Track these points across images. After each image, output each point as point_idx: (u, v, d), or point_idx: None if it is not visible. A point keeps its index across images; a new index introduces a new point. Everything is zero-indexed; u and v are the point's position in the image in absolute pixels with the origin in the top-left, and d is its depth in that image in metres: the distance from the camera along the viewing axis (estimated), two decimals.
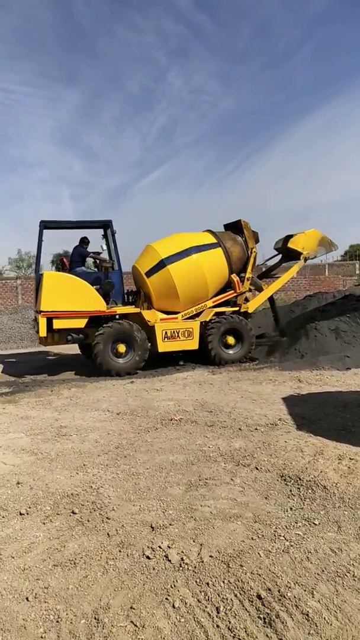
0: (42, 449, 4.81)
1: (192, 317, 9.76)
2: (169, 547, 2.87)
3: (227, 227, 10.74)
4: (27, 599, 2.44)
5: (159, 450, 4.60)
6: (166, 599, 2.40)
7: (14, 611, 2.35)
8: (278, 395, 6.66)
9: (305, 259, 10.81)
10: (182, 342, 9.56)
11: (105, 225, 9.85)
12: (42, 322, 8.77)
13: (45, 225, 9.39)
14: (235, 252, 10.04)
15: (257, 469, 4.05)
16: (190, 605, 2.35)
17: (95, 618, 2.27)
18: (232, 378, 8.06)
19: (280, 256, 11.41)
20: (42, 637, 2.17)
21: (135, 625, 2.21)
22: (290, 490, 3.60)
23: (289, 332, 10.92)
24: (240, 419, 5.56)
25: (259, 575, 2.56)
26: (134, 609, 2.33)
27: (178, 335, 9.52)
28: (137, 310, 9.46)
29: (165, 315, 9.59)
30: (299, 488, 3.63)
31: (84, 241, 9.79)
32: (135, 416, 5.90)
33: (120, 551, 2.86)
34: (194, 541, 2.93)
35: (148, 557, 2.77)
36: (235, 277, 10.09)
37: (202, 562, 2.70)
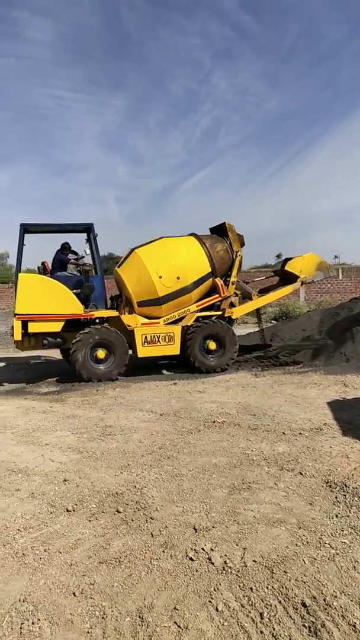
0: (87, 447, 4.92)
1: (175, 322, 9.44)
2: (212, 549, 2.88)
3: (213, 230, 10.40)
4: (74, 594, 2.51)
5: (201, 453, 4.61)
6: (209, 601, 2.41)
7: (61, 605, 2.42)
8: (323, 399, 6.54)
9: (302, 283, 10.50)
10: (162, 347, 9.20)
11: (87, 229, 9.50)
12: (17, 325, 8.47)
13: (26, 228, 9.02)
14: (218, 253, 9.68)
15: (301, 474, 4.00)
16: (233, 609, 2.35)
17: (139, 617, 2.31)
18: (276, 381, 7.97)
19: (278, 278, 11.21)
20: (88, 632, 2.22)
21: (179, 626, 2.24)
22: (336, 497, 3.54)
23: (334, 336, 10.69)
24: (284, 422, 5.49)
25: (304, 582, 2.53)
26: (177, 609, 2.35)
27: (159, 340, 9.16)
28: (115, 313, 9.15)
29: (147, 320, 9.30)
30: (344, 495, 3.55)
31: (65, 247, 9.51)
32: (178, 417, 5.94)
33: (163, 551, 2.89)
34: (237, 545, 2.93)
35: (191, 559, 2.79)
36: (219, 281, 9.72)
37: (246, 566, 2.69)
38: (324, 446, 4.63)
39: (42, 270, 9.46)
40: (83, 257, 9.50)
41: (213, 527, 3.17)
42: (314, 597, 2.40)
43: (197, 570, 2.68)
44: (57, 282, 8.76)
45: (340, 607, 2.32)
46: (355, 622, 2.20)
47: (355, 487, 3.65)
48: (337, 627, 2.18)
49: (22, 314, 8.49)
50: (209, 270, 9.56)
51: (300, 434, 5.06)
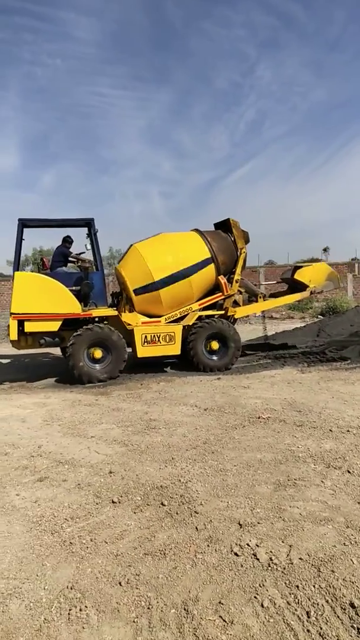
0: (132, 440, 4.98)
1: (176, 321, 9.16)
2: (257, 545, 2.85)
3: (217, 226, 10.14)
4: (119, 583, 2.55)
5: (246, 448, 4.58)
6: (255, 597, 2.39)
7: (108, 594, 2.46)
8: None
9: (311, 292, 10.19)
10: (163, 347, 8.91)
11: (87, 224, 9.12)
12: (13, 324, 8.23)
13: (25, 223, 8.76)
14: (222, 250, 9.40)
15: (349, 472, 3.90)
16: (279, 606, 2.32)
17: (184, 609, 2.32)
18: (323, 377, 7.81)
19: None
20: (134, 622, 2.25)
21: (224, 621, 2.23)
22: None
23: None
24: (331, 419, 5.37)
25: (352, 582, 2.46)
26: (222, 604, 2.34)
27: (159, 340, 8.88)
28: (114, 312, 8.84)
29: (147, 319, 9.05)
30: None
31: (67, 240, 9.27)
32: (222, 412, 5.91)
33: (208, 546, 2.89)
34: (282, 542, 2.89)
35: (236, 554, 2.78)
36: (222, 279, 9.42)
37: (292, 563, 2.65)
38: None
39: (41, 266, 9.27)
40: (84, 252, 9.25)
41: (258, 523, 3.14)
42: None
43: (242, 566, 2.67)
44: (54, 280, 8.46)
45: None
46: None
47: None
48: None
49: (19, 313, 8.22)
50: (209, 255, 9.19)
51: (348, 431, 4.93)
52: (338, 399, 6.34)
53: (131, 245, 9.34)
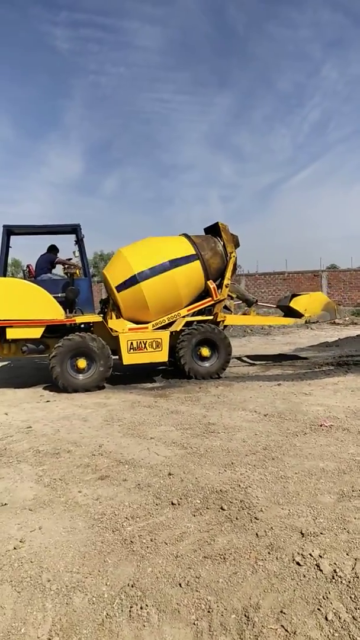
0: (191, 443, 4.98)
1: (165, 327, 8.93)
2: (320, 556, 2.77)
3: (207, 230, 9.87)
4: (179, 585, 2.55)
5: (308, 456, 4.46)
6: (318, 609, 2.32)
7: (168, 594, 2.47)
8: None
9: (306, 321, 9.82)
10: (149, 354, 8.67)
11: (74, 230, 9.02)
12: None
13: (10, 230, 8.68)
14: (212, 257, 9.17)
15: None
16: (344, 620, 2.23)
17: (245, 615, 2.29)
18: None
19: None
20: (194, 624, 2.24)
21: (286, 631, 2.18)
22: None
23: None
24: None
25: None
26: (284, 613, 2.29)
27: (145, 347, 8.61)
28: (99, 319, 8.65)
29: (134, 325, 8.88)
30: None
31: (54, 248, 9.25)
32: (282, 419, 5.80)
33: (269, 553, 2.84)
34: (347, 554, 2.79)
35: (298, 564, 2.71)
36: (211, 284, 9.17)
37: (357, 577, 2.55)
38: None
39: (27, 274, 9.11)
40: (71, 259, 9.17)
41: (321, 533, 3.05)
42: None
43: (304, 576, 2.59)
44: (36, 285, 8.30)
45: None
46: None
47: None
48: None
49: None
50: (194, 252, 8.97)
51: None
52: None
53: (134, 278, 8.79)
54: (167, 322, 8.97)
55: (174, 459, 4.53)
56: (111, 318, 8.91)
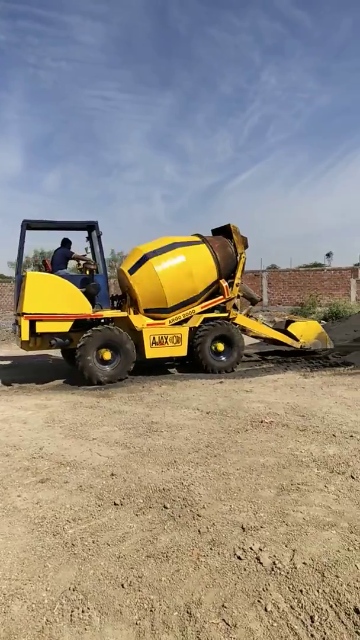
0: (134, 443, 4.96)
1: (180, 323, 9.35)
2: (261, 549, 2.84)
3: (215, 231, 10.39)
4: (122, 585, 2.53)
5: (249, 452, 4.56)
6: (258, 601, 2.37)
7: (110, 596, 2.44)
8: None
9: (301, 346, 10.41)
10: (170, 349, 9.11)
11: (91, 227, 9.38)
12: (25, 325, 8.17)
13: (29, 225, 8.86)
14: (224, 256, 9.66)
15: (352, 477, 3.88)
16: (283, 610, 2.30)
17: (187, 612, 2.30)
18: (326, 382, 7.78)
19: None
20: (136, 624, 2.23)
21: (227, 624, 2.21)
22: None
23: None
24: (335, 425, 5.35)
25: (356, 588, 2.44)
26: (225, 607, 2.33)
27: (166, 341, 9.07)
28: (124, 314, 9.02)
29: (152, 321, 9.19)
30: None
31: (68, 242, 9.45)
32: (225, 416, 5.90)
33: (211, 549, 2.87)
34: (286, 546, 2.87)
35: (239, 558, 2.76)
36: (224, 283, 9.70)
37: (295, 568, 2.64)
38: None
39: (44, 268, 9.33)
40: (85, 255, 9.41)
41: (261, 527, 3.12)
42: None
43: (245, 570, 2.65)
44: (67, 281, 8.55)
45: None
46: None
47: None
48: None
49: (31, 314, 8.20)
50: (216, 278, 9.59)
51: (352, 436, 4.91)
52: (341, 404, 6.32)
53: (145, 257, 9.19)
54: (182, 318, 9.38)
55: (117, 459, 4.49)
56: (129, 314, 9.13)
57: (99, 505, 3.53)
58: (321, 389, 7.32)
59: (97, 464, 4.39)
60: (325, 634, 2.14)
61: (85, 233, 9.79)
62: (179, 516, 3.32)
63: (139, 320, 9.06)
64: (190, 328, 9.26)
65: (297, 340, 10.39)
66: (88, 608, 2.35)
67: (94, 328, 8.52)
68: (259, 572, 2.62)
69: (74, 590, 2.50)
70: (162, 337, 9.03)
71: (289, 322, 10.95)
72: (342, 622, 2.21)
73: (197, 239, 9.66)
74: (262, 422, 5.55)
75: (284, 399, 6.69)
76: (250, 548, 2.85)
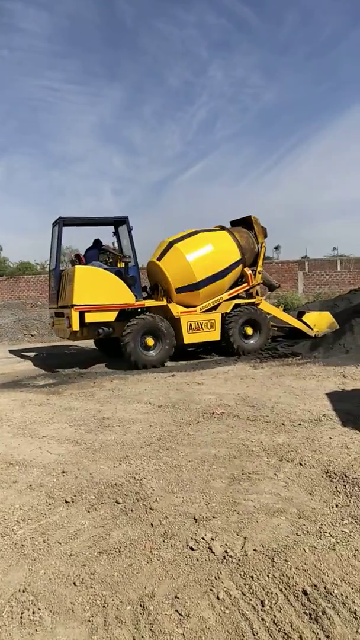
0: (85, 439, 4.90)
1: (210, 310, 10.03)
2: (213, 539, 2.87)
3: (235, 223, 11.09)
4: (74, 583, 2.50)
5: (201, 444, 4.60)
6: (210, 590, 2.40)
7: (62, 595, 2.41)
8: (322, 390, 6.53)
9: (315, 335, 10.89)
10: (205, 334, 9.84)
11: (121, 222, 10.03)
12: (75, 316, 8.78)
13: (65, 222, 9.60)
14: (247, 246, 10.37)
15: (301, 464, 3.99)
16: (234, 597, 2.34)
17: (140, 605, 2.30)
18: (275, 373, 7.96)
19: None
20: (89, 621, 2.21)
21: (180, 615, 2.23)
22: (336, 487, 3.53)
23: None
24: (284, 414, 5.49)
25: (305, 571, 2.52)
26: (178, 598, 2.34)
27: (202, 327, 9.79)
28: (163, 303, 9.69)
29: (185, 309, 9.81)
30: (344, 485, 3.55)
31: (99, 242, 10.22)
32: (176, 409, 5.92)
33: (164, 541, 2.88)
34: (237, 534, 2.92)
35: (192, 549, 2.78)
36: (248, 271, 10.48)
37: (246, 555, 2.69)
38: (324, 437, 4.63)
39: (78, 262, 9.82)
40: (115, 249, 10.25)
41: (213, 517, 3.16)
42: (315, 585, 2.39)
43: (197, 560, 2.67)
44: (111, 273, 9.24)
45: (341, 594, 2.31)
46: (356, 609, 2.20)
47: (355, 477, 3.64)
48: (338, 614, 2.18)
49: (81, 305, 8.84)
50: (239, 257, 10.15)
51: (300, 424, 5.05)
52: (290, 393, 6.49)
53: (170, 243, 9.92)
54: (212, 305, 10.06)
55: (68, 457, 4.43)
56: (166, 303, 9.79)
57: (50, 504, 3.47)
58: (270, 379, 7.48)
59: (47, 462, 4.30)
60: (275, 617, 2.19)
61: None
62: (132, 510, 3.31)
63: (174, 308, 9.68)
64: (222, 314, 9.97)
65: (311, 329, 10.91)
66: (39, 609, 2.31)
67: (138, 316, 9.17)
68: (211, 561, 2.66)
69: (24, 591, 2.45)
70: (198, 323, 9.76)
71: (301, 313, 11.52)
72: (291, 604, 2.28)
73: (229, 237, 10.26)
74: (213, 413, 5.61)
75: (235, 390, 6.80)
76: (203, 538, 2.88)
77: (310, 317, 11.18)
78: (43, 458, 4.42)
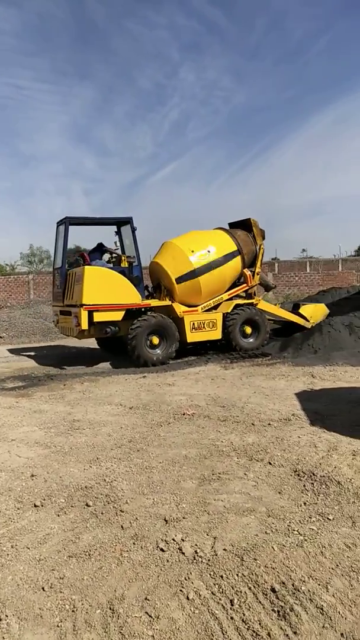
0: (55, 442, 4.85)
1: (210, 310, 10.29)
2: (183, 540, 2.88)
3: (233, 225, 11.31)
4: (43, 588, 2.47)
5: (171, 445, 4.61)
6: (180, 590, 2.41)
7: (30, 600, 2.38)
8: (291, 390, 6.63)
9: (311, 326, 11.15)
10: (207, 333, 10.12)
11: (125, 222, 10.34)
12: (84, 315, 9.03)
13: (71, 221, 9.85)
14: (247, 248, 10.61)
15: (270, 463, 4.04)
16: (204, 597, 2.36)
17: (110, 608, 2.29)
18: (245, 373, 8.04)
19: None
20: (58, 626, 2.19)
21: (150, 616, 2.23)
22: (304, 485, 3.59)
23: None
24: (253, 414, 5.55)
25: (273, 569, 2.56)
26: (148, 600, 2.35)
27: (204, 326, 10.07)
28: (168, 302, 9.90)
29: (187, 308, 10.04)
30: (312, 483, 3.61)
31: (102, 246, 10.46)
32: (147, 410, 5.92)
33: (134, 543, 2.88)
34: (207, 534, 2.94)
35: (162, 550, 2.79)
36: (247, 272, 10.78)
37: (216, 555, 2.71)
38: (292, 436, 4.70)
39: (83, 261, 9.93)
40: (117, 249, 10.50)
41: (184, 517, 3.17)
42: (283, 583, 2.43)
43: (167, 561, 2.68)
44: (118, 273, 9.46)
45: (308, 591, 2.36)
46: (322, 605, 2.25)
47: (323, 476, 3.71)
48: (305, 611, 2.22)
49: (89, 304, 9.05)
50: (235, 248, 10.39)
51: (269, 424, 5.11)
52: (259, 393, 6.56)
53: (165, 242, 10.34)
54: (212, 305, 10.35)
55: (37, 460, 4.37)
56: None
57: (19, 508, 3.42)
58: (240, 379, 7.56)
59: (16, 466, 4.24)
60: (244, 615, 2.22)
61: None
62: (102, 513, 3.29)
63: (178, 308, 9.91)
64: (223, 314, 10.26)
65: (307, 321, 11.23)
66: (6, 615, 2.27)
67: (146, 315, 9.39)
68: (182, 562, 2.67)
69: None
70: (200, 323, 10.04)
71: (296, 305, 11.92)
72: (260, 602, 2.31)
73: (226, 234, 10.56)
74: (184, 414, 5.63)
75: (206, 391, 6.83)
76: (173, 539, 2.89)
77: (307, 310, 11.58)
78: (12, 462, 4.35)
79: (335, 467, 3.85)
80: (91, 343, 11.90)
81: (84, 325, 9.07)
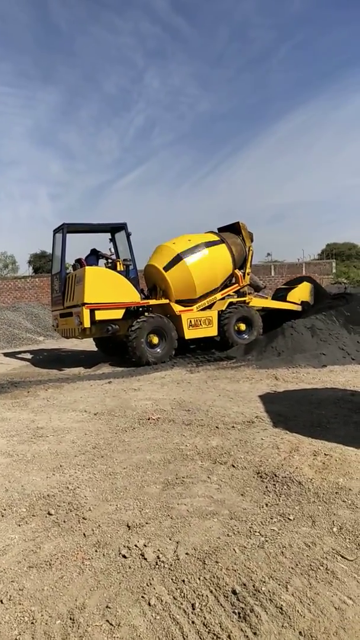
0: (17, 450, 4.76)
1: (205, 309, 10.94)
2: (145, 545, 2.87)
3: (223, 229, 11.93)
4: (1, 601, 2.42)
5: (136, 450, 4.60)
6: (142, 597, 2.41)
7: None
8: (255, 393, 6.71)
9: (303, 308, 11.86)
10: (204, 330, 10.75)
11: (121, 228, 10.93)
12: (86, 313, 9.41)
13: (69, 228, 10.33)
14: (237, 249, 11.35)
15: (233, 466, 4.08)
16: (166, 602, 2.36)
17: (70, 618, 2.27)
18: (210, 377, 8.10)
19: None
20: (16, 639, 2.15)
21: (111, 624, 2.21)
22: (266, 487, 3.64)
23: (265, 330, 11.12)
24: (218, 417, 5.59)
25: (234, 571, 2.58)
26: (109, 608, 2.33)
27: (200, 324, 10.68)
28: (166, 301, 10.51)
29: (183, 308, 10.63)
30: (274, 484, 3.67)
31: (96, 251, 10.89)
32: (112, 416, 5.88)
33: (96, 551, 2.85)
34: (170, 539, 2.94)
35: (124, 556, 2.77)
36: (238, 272, 11.56)
37: (178, 559, 2.71)
38: (256, 438, 4.76)
39: (79, 266, 10.43)
40: (113, 254, 11.03)
41: (146, 523, 3.16)
42: (244, 584, 2.45)
43: (130, 567, 2.67)
44: (118, 274, 9.98)
45: (269, 591, 2.39)
46: (282, 605, 2.28)
47: (285, 477, 3.77)
48: (265, 611, 2.25)
49: (91, 303, 9.48)
50: (232, 270, 11.35)
51: (233, 427, 5.16)
52: (224, 396, 6.62)
53: (178, 256, 10.67)
54: (207, 305, 10.99)
55: None
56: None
57: None
58: (206, 383, 7.60)
59: None
60: (205, 618, 2.23)
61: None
62: (64, 521, 3.25)
63: (176, 307, 10.51)
64: (218, 311, 10.92)
65: (298, 304, 11.80)
66: None
67: (146, 315, 9.94)
68: (144, 567, 2.66)
69: None
70: (197, 320, 10.66)
71: (280, 292, 12.47)
72: (221, 604, 2.32)
73: (217, 238, 11.22)
74: (149, 419, 5.63)
75: (171, 395, 6.84)
76: (135, 545, 2.88)
77: (294, 295, 12.09)
78: None
79: (296, 468, 3.92)
80: (66, 345, 12.15)
81: (86, 323, 9.41)
